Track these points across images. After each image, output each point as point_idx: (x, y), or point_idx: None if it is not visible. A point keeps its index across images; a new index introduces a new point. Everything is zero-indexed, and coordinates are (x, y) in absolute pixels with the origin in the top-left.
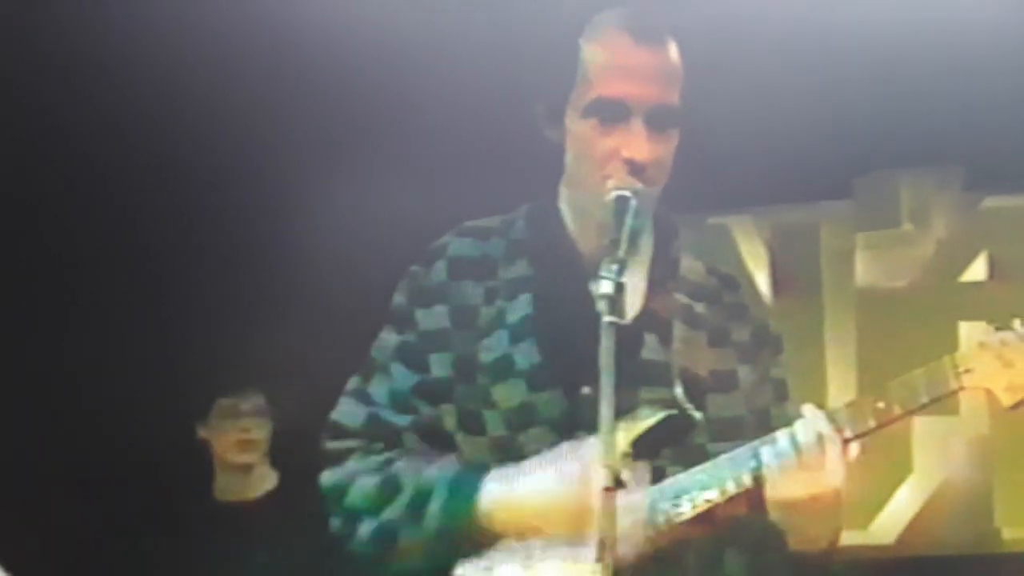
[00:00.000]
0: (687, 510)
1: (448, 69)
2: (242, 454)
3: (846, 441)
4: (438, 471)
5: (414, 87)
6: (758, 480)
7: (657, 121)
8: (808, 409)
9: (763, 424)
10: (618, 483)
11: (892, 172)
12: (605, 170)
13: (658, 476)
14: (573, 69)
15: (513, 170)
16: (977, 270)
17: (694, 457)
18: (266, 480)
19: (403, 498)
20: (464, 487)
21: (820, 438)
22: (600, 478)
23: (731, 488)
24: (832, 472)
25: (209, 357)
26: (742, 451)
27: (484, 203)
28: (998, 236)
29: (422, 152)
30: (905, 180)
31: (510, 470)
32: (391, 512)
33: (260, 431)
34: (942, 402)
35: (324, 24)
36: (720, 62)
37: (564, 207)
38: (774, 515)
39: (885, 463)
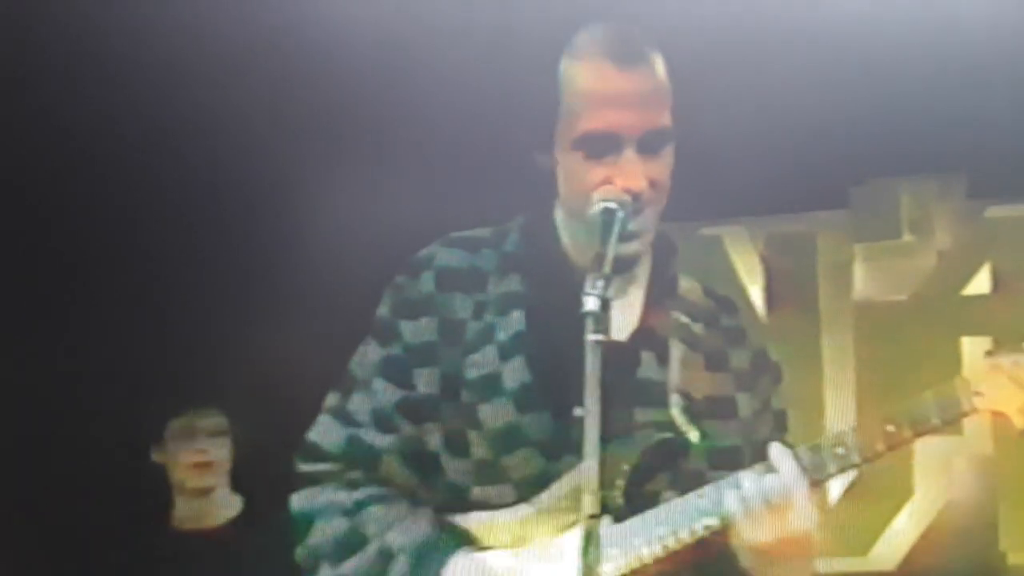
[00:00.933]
0: (645, 557)
1: (448, 72)
2: (200, 478)
3: (818, 482)
4: (405, 536)
5: (409, 91)
6: (724, 524)
7: (651, 145)
8: (775, 449)
9: (762, 457)
10: (605, 509)
11: (891, 180)
12: (597, 196)
13: (652, 502)
14: (557, 94)
15: (509, 179)
16: (980, 283)
17: (690, 484)
18: (228, 506)
19: (366, 555)
20: (429, 562)
21: (785, 481)
22: None
23: (688, 537)
24: (801, 515)
25: (163, 373)
26: (707, 492)
27: (474, 213)
28: (1002, 247)
29: (402, 162)
30: (905, 188)
31: (479, 554)
32: (352, 565)
33: (219, 452)
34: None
35: (323, 27)
36: (712, 68)
37: (560, 221)
38: (743, 561)
39: (885, 486)
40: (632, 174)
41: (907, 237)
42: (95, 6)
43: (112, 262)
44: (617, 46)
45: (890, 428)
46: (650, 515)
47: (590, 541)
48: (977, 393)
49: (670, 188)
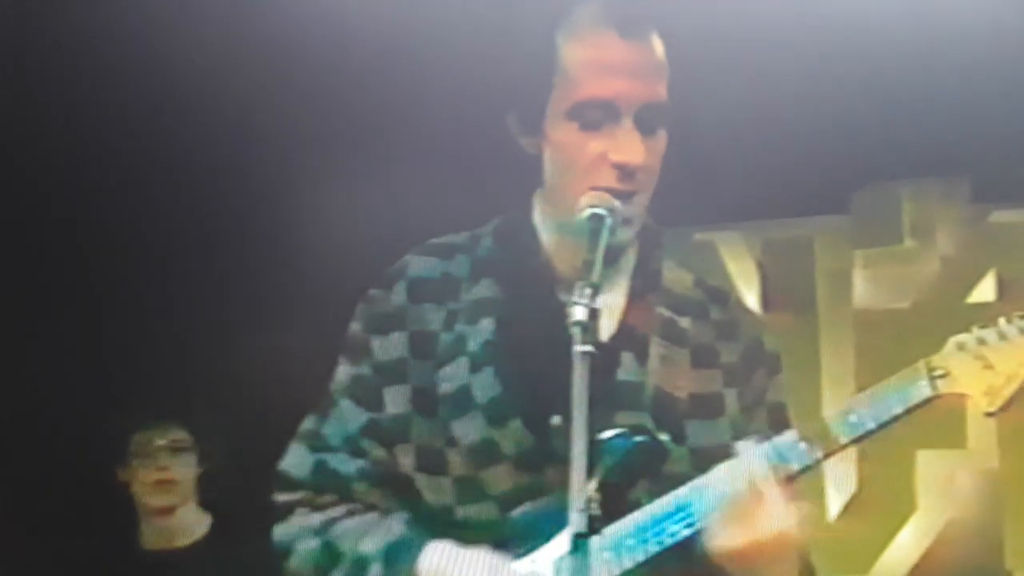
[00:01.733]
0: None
1: (446, 69)
2: (162, 496)
3: (789, 478)
4: (376, 540)
5: (406, 88)
6: (697, 527)
7: (647, 120)
8: (741, 446)
9: None
10: (591, 528)
11: (892, 184)
12: (592, 177)
13: (633, 508)
14: (549, 71)
15: (508, 176)
16: (985, 290)
17: (674, 488)
18: (196, 525)
19: (343, 567)
20: (399, 559)
21: (753, 480)
22: None
23: (656, 549)
24: (772, 515)
25: (125, 385)
26: (674, 500)
27: (474, 213)
28: (1008, 252)
29: (389, 170)
30: (906, 192)
31: (450, 546)
32: None
33: (182, 470)
34: (947, 434)
35: (321, 27)
36: (707, 64)
37: (539, 222)
38: (725, 567)
39: (887, 501)
40: (630, 147)
41: (909, 243)
42: (94, 5)
43: (74, 269)
44: (619, 16)
45: (852, 419)
46: (628, 520)
47: (578, 559)
48: (943, 375)
49: (662, 194)
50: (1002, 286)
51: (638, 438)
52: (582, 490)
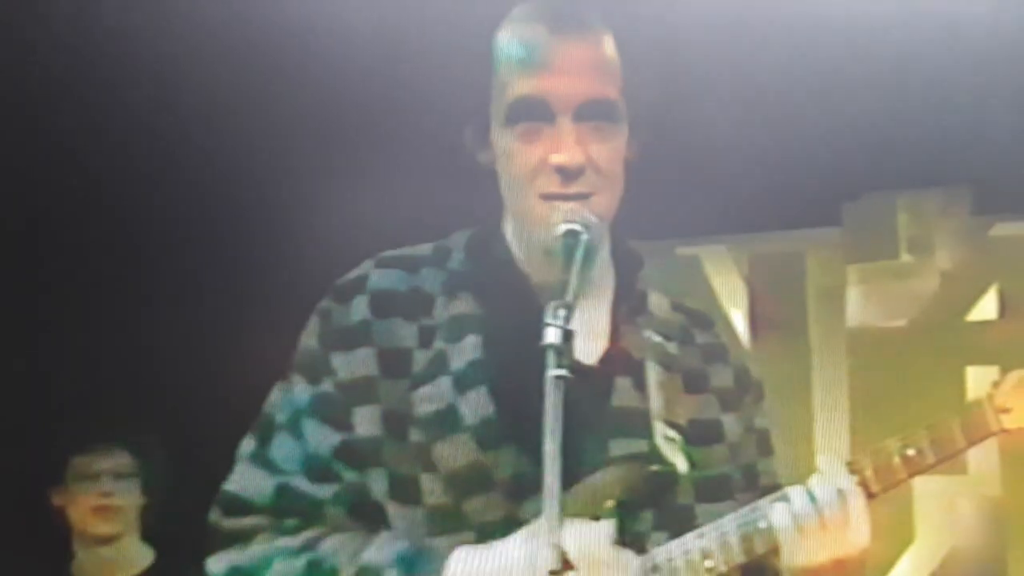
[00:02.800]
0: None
1: (445, 68)
2: (103, 524)
3: (871, 495)
4: (381, 551)
5: (403, 88)
6: (772, 545)
7: (590, 118)
8: (825, 460)
9: (751, 482)
10: (566, 565)
11: (888, 194)
12: (537, 183)
13: (638, 543)
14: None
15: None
16: (987, 307)
17: (679, 520)
18: (138, 558)
19: None
20: (418, 567)
21: (841, 493)
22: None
23: (737, 556)
24: (857, 530)
25: (66, 404)
26: (747, 511)
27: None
28: (1011, 268)
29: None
30: (903, 203)
31: (473, 551)
32: None
33: (126, 496)
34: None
35: (319, 26)
36: (688, 67)
37: (510, 234)
38: None
39: (883, 530)
40: (567, 146)
41: (906, 257)
42: (94, 5)
43: (13, 276)
44: (553, 13)
45: (911, 452)
46: (690, 536)
47: None
48: (1004, 411)
49: (642, 205)
50: (1005, 303)
51: (651, 467)
52: (556, 522)
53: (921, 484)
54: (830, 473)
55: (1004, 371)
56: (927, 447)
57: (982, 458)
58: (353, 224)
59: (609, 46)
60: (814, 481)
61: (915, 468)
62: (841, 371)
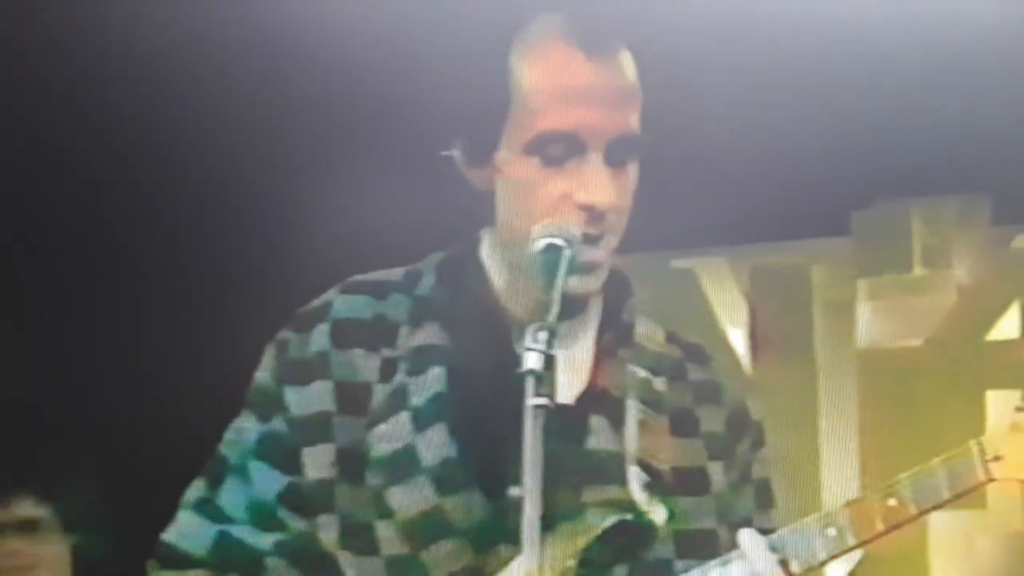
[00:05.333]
0: None
1: (446, 68)
2: None
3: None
4: None
5: (404, 89)
6: None
7: (618, 155)
8: (745, 536)
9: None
10: None
11: (901, 202)
12: (555, 219)
13: None
14: (501, 97)
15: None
16: (1009, 325)
17: None
18: None
19: None
20: None
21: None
22: None
23: None
24: None
25: None
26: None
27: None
28: None
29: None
30: (917, 212)
31: None
32: None
33: (43, 550)
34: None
35: (319, 26)
36: (685, 68)
37: (487, 258)
38: None
39: (897, 569)
40: (599, 187)
41: (920, 270)
42: (94, 5)
43: None
44: (584, 32)
45: (892, 503)
46: None
47: None
48: (996, 458)
49: (635, 214)
50: None
51: (621, 516)
52: (535, 570)
53: (936, 520)
54: (751, 551)
55: None
56: (909, 497)
57: (1002, 491)
58: (325, 252)
59: (631, 68)
60: (732, 563)
61: (897, 520)
62: (850, 394)
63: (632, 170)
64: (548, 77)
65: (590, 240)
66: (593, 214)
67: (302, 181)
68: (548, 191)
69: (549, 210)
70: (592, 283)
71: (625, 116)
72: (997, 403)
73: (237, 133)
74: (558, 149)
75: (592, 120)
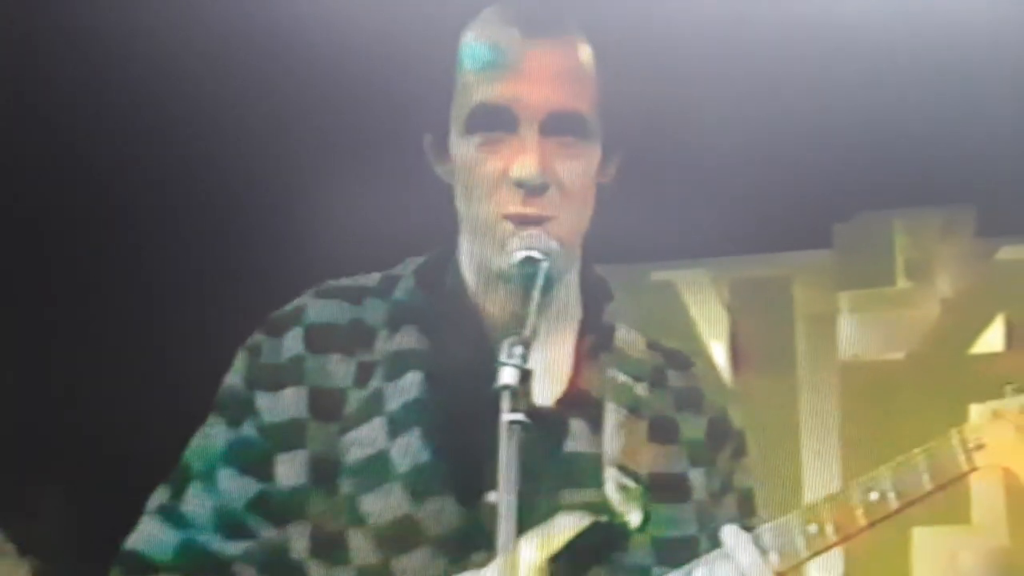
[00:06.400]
0: None
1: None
2: None
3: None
4: None
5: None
6: None
7: (558, 132)
8: (728, 532)
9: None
10: None
11: (883, 214)
12: (495, 199)
13: None
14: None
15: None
16: (993, 338)
17: None
18: None
19: None
20: None
21: (744, 570)
22: None
23: None
24: None
25: None
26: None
27: None
28: (1018, 295)
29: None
30: (900, 224)
31: None
32: None
33: None
34: (947, 509)
35: (320, 25)
36: (665, 75)
37: (464, 261)
38: None
39: None
40: (528, 160)
41: (903, 283)
42: (93, 5)
43: None
44: (527, 15)
45: (873, 496)
46: None
47: None
48: (978, 447)
49: (613, 225)
50: (1012, 333)
51: (597, 518)
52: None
53: (919, 535)
54: (735, 547)
55: (1010, 387)
56: (891, 489)
57: (986, 505)
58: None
59: (585, 55)
60: (716, 556)
61: (879, 514)
62: (832, 408)
63: (581, 149)
64: (482, 54)
65: (532, 222)
66: (529, 189)
67: (283, 186)
68: (486, 170)
69: (489, 190)
70: (546, 267)
71: (562, 94)
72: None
73: (223, 137)
74: (491, 123)
75: (524, 94)
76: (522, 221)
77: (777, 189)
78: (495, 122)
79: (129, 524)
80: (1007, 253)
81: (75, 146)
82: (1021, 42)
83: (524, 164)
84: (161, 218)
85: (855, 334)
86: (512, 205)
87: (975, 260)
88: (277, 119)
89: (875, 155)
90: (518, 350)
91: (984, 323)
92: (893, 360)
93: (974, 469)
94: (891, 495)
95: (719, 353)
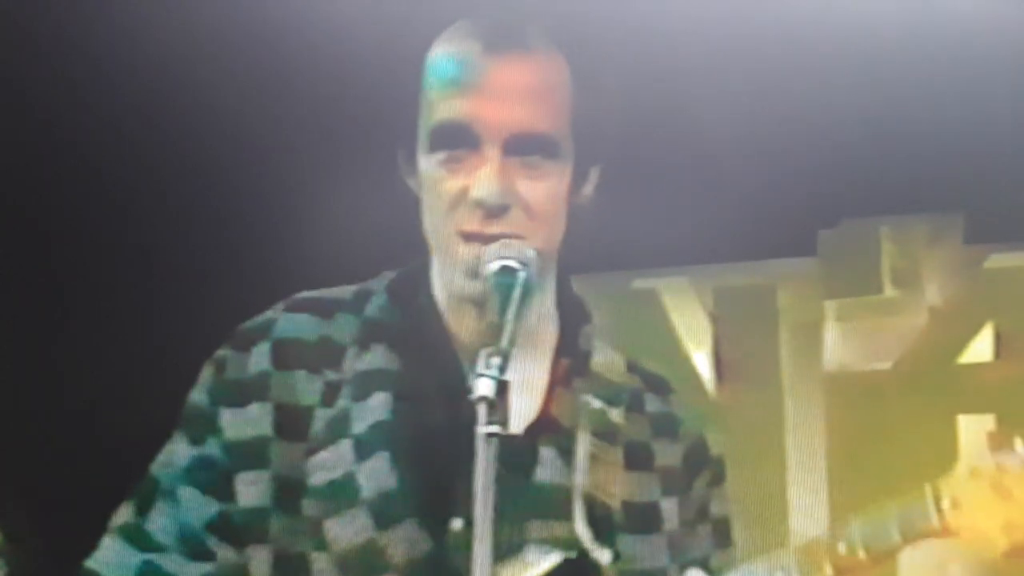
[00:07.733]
0: None
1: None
2: None
3: None
4: None
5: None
6: None
7: (519, 150)
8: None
9: None
10: None
11: (870, 222)
12: (456, 218)
13: None
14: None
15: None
16: (981, 348)
17: None
18: None
19: None
20: None
21: None
22: None
23: None
24: None
25: None
26: None
27: None
28: (1007, 304)
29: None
30: (887, 232)
31: None
32: None
33: None
34: None
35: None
36: (647, 79)
37: (435, 277)
38: None
39: None
40: (487, 180)
41: (890, 292)
42: (93, 5)
43: None
44: (493, 30)
45: (841, 548)
46: None
47: None
48: (952, 505)
49: (594, 233)
50: (1001, 343)
51: (567, 554)
52: None
53: (908, 548)
54: None
55: (1000, 419)
56: (859, 542)
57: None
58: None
59: (556, 71)
60: None
61: (845, 566)
62: (818, 419)
63: (548, 171)
64: (446, 70)
65: (491, 241)
66: (488, 210)
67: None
68: (448, 188)
69: (448, 208)
70: (525, 273)
71: (528, 114)
72: (969, 428)
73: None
74: (453, 141)
75: (485, 112)
76: (482, 240)
77: (761, 196)
78: (457, 140)
79: (94, 538)
80: (995, 261)
81: (57, 150)
82: (1009, 49)
83: (483, 184)
84: (138, 227)
85: (841, 343)
86: (471, 224)
87: (963, 268)
88: (261, 126)
89: (861, 161)
90: (495, 361)
91: (972, 332)
92: (880, 370)
93: (947, 531)
94: (859, 547)
95: (702, 362)
